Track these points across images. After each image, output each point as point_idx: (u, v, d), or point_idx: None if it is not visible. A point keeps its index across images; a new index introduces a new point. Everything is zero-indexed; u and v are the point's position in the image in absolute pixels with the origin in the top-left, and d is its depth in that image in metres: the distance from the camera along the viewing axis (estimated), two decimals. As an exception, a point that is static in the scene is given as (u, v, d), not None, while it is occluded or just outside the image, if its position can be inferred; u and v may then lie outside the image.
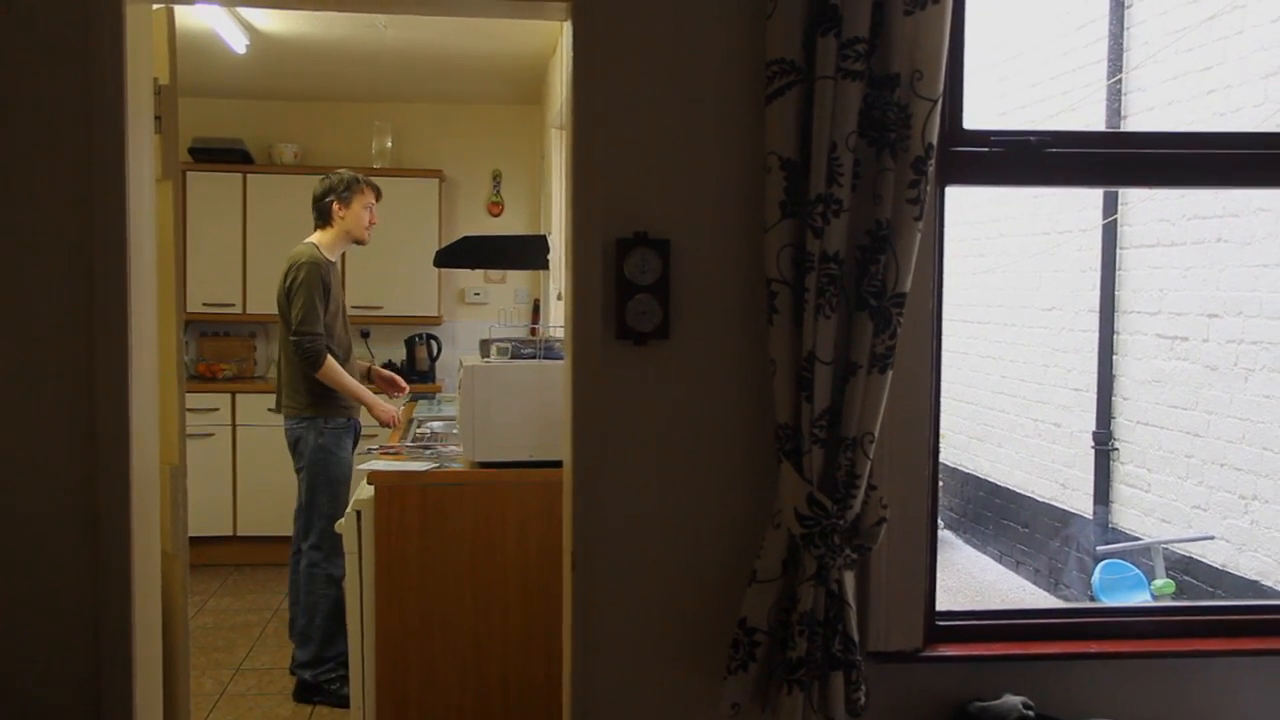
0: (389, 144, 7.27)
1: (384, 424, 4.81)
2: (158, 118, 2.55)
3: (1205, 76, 5.65)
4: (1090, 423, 6.59)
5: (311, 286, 4.57)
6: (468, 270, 7.15)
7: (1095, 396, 6.54)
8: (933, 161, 2.26)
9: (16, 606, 2.34)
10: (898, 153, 2.25)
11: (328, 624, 4.61)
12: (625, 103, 2.39)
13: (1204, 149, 2.66)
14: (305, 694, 4.66)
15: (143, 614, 2.40)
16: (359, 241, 4.86)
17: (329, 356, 4.59)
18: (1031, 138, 2.54)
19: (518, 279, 7.57)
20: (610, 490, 2.45)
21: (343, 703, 4.46)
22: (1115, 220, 6.39)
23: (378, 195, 4.90)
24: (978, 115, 2.52)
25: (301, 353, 4.54)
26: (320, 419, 4.63)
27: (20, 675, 2.35)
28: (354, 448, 4.78)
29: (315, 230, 4.81)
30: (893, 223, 2.25)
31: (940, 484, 2.76)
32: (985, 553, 7.83)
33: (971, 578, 7.35)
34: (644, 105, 2.40)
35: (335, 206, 4.75)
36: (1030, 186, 5.33)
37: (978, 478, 8.05)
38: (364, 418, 4.94)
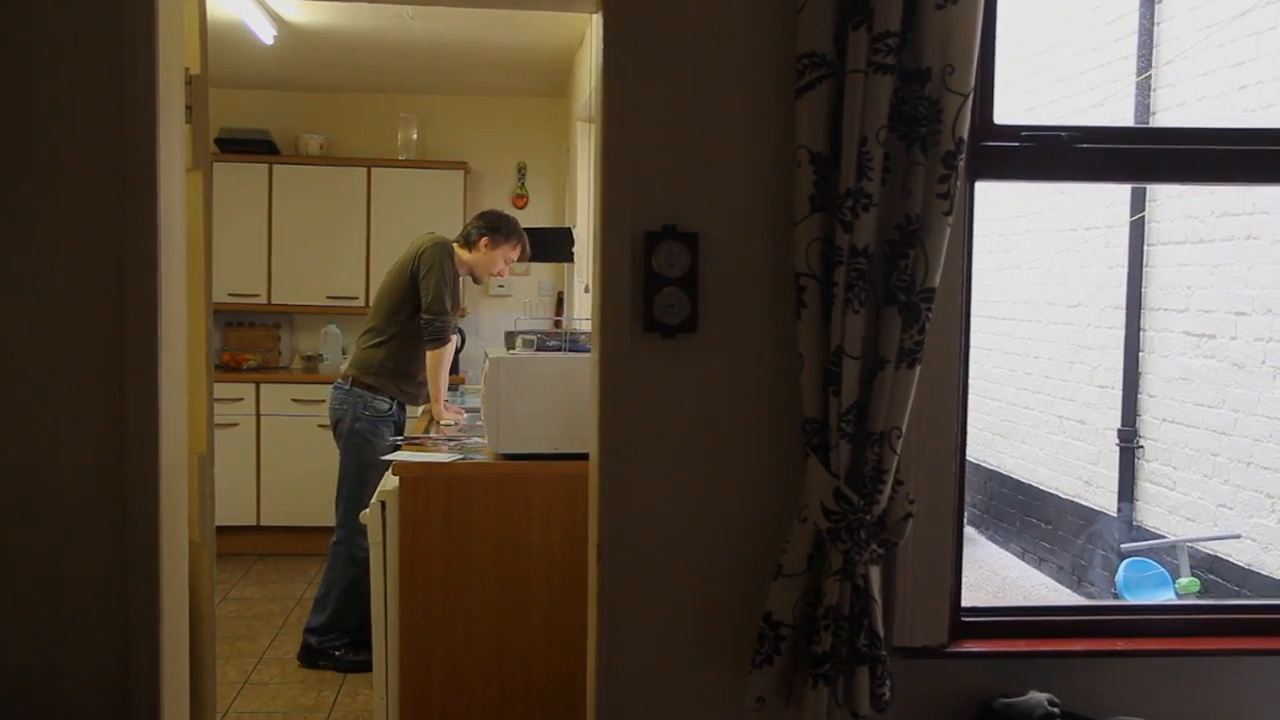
0: (414, 135, 7.29)
1: (435, 418, 4.85)
2: (188, 107, 2.55)
3: (1236, 72, 5.60)
4: (1115, 420, 6.54)
5: (442, 266, 4.67)
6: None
7: (1121, 394, 6.50)
8: (963, 156, 2.25)
9: (46, 593, 2.35)
10: (928, 147, 2.24)
11: (341, 599, 4.76)
12: (655, 95, 2.39)
13: (1235, 145, 2.63)
14: (310, 657, 4.83)
15: (170, 602, 2.42)
16: (476, 279, 4.93)
17: (449, 343, 4.74)
18: (1062, 133, 2.52)
19: (542, 271, 7.57)
20: (636, 483, 2.45)
21: (344, 668, 4.76)
22: (1143, 217, 6.35)
23: (523, 256, 5.02)
24: (1006, 110, 2.51)
25: (431, 331, 4.67)
26: (366, 394, 4.70)
27: (49, 661, 2.36)
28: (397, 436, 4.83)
29: (457, 241, 4.90)
30: (922, 217, 2.24)
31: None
32: (1007, 549, 7.80)
33: (994, 574, 7.33)
34: (674, 98, 2.39)
35: (484, 242, 4.84)
36: (1060, 182, 5.29)
37: (1001, 474, 8.02)
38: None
